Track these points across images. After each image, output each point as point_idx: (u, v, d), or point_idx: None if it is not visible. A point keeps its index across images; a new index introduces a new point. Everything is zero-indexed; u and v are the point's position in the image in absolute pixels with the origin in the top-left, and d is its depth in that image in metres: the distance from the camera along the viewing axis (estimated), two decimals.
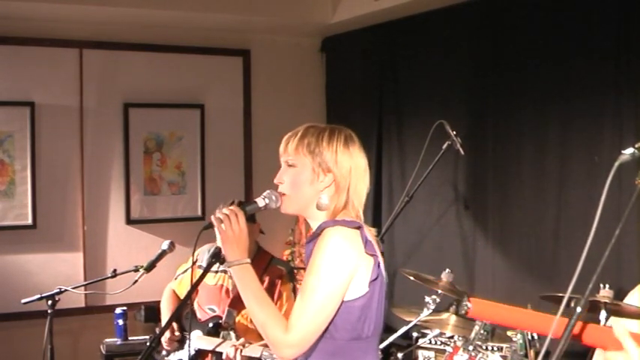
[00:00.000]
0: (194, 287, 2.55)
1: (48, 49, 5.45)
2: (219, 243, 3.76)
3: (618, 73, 3.97)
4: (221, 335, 3.67)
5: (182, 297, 3.99)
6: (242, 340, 3.59)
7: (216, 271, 3.87)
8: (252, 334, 3.78)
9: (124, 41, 5.67)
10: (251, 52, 6.13)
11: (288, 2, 5.65)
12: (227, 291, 3.80)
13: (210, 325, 3.72)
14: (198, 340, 3.68)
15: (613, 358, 1.58)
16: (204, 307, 3.83)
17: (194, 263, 3.88)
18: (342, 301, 2.14)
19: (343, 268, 2.11)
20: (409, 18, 5.34)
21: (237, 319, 3.77)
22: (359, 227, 2.19)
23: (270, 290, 3.74)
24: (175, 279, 4.04)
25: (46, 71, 5.47)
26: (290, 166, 2.28)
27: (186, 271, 3.98)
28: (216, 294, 3.86)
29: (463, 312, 1.70)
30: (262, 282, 3.71)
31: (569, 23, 4.24)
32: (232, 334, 3.66)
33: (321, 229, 2.19)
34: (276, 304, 3.68)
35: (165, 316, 4.00)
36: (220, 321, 3.70)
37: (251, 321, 3.78)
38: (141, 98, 5.75)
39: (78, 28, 5.49)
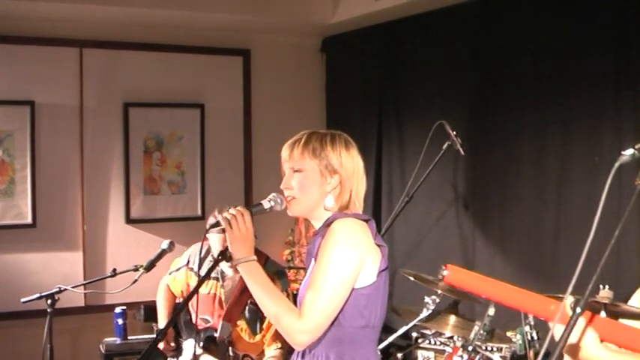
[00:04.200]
0: (192, 294, 2.57)
1: (48, 49, 5.45)
2: (212, 245, 3.77)
3: (618, 74, 3.97)
4: (218, 348, 3.64)
5: (176, 294, 3.98)
6: None
7: (208, 278, 3.84)
8: (250, 346, 3.76)
9: (124, 41, 5.67)
10: (251, 51, 6.13)
11: (289, 2, 5.65)
12: (220, 301, 3.76)
13: (205, 337, 3.68)
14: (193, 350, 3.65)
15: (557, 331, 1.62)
16: (199, 315, 3.80)
17: (194, 265, 3.88)
18: (352, 289, 2.23)
19: (354, 257, 2.21)
20: (409, 18, 5.34)
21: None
22: (368, 220, 2.31)
23: None
24: (169, 274, 4.01)
25: (46, 70, 5.47)
26: (296, 171, 2.36)
27: (179, 269, 3.95)
28: (209, 304, 3.82)
29: (440, 278, 1.77)
30: None
31: (569, 23, 4.24)
32: (230, 349, 3.65)
33: (330, 221, 2.29)
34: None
35: (161, 310, 3.99)
36: (215, 334, 3.67)
37: (247, 333, 3.77)
38: (141, 98, 5.75)
39: (78, 27, 5.49)
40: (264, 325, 3.74)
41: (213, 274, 3.80)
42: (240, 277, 3.66)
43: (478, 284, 1.79)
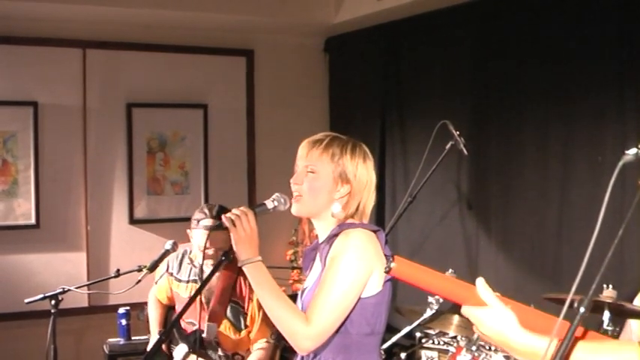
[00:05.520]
0: (194, 297, 2.57)
1: (51, 49, 5.46)
2: (195, 240, 3.75)
3: (621, 73, 3.96)
4: (207, 351, 3.64)
5: (162, 301, 3.98)
6: None
7: (187, 281, 3.82)
8: (237, 344, 3.75)
9: (127, 41, 5.68)
10: (254, 52, 6.13)
11: (292, 2, 5.65)
12: (201, 303, 3.75)
13: (193, 340, 3.66)
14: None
15: (473, 313, 1.68)
16: (185, 320, 3.77)
17: (173, 269, 3.88)
18: (359, 298, 2.25)
19: (362, 267, 2.23)
20: (412, 18, 5.34)
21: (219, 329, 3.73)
22: (377, 231, 2.32)
23: (249, 291, 3.71)
24: (155, 283, 4.01)
25: (49, 71, 5.47)
26: (310, 171, 2.36)
27: (161, 276, 3.95)
28: (191, 307, 3.79)
29: (386, 271, 1.80)
30: (237, 283, 3.71)
31: (571, 23, 4.24)
32: (219, 349, 3.63)
33: (339, 231, 2.29)
34: (248, 303, 3.68)
35: (152, 321, 3.98)
36: (203, 335, 3.66)
37: (232, 330, 3.75)
38: (144, 98, 5.75)
39: (81, 28, 5.50)
40: (248, 322, 3.74)
41: (192, 277, 3.79)
42: (219, 277, 3.68)
43: (424, 277, 1.79)
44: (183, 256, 3.88)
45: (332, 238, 2.30)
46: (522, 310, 1.67)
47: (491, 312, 1.65)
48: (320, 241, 2.41)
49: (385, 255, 2.28)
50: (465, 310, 1.71)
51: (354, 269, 2.21)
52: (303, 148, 2.40)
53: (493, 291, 1.71)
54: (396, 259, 1.77)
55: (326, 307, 2.19)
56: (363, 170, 2.37)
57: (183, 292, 3.80)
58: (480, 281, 1.72)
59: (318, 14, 5.74)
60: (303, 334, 2.19)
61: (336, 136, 2.42)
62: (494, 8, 4.73)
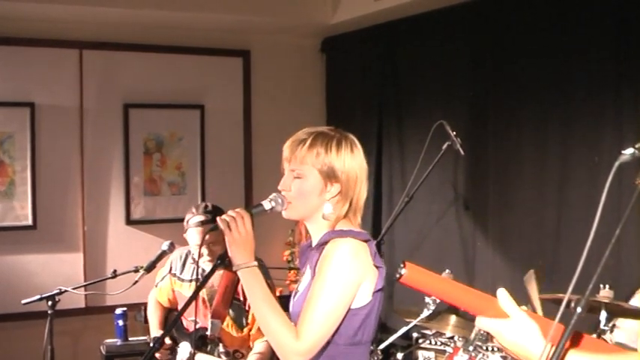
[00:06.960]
0: (194, 296, 2.54)
1: (48, 50, 5.45)
2: (190, 239, 3.75)
3: (618, 73, 3.97)
4: (209, 348, 3.65)
5: (164, 304, 3.99)
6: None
7: (190, 280, 3.83)
8: (238, 341, 3.76)
9: (124, 42, 5.67)
10: (251, 52, 6.13)
11: (289, 3, 5.65)
12: (204, 301, 3.75)
13: (197, 338, 3.67)
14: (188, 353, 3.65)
15: (492, 326, 1.62)
16: (188, 318, 3.78)
17: (176, 270, 3.88)
18: (348, 309, 2.18)
19: (351, 279, 2.15)
20: (409, 18, 5.34)
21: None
22: (368, 240, 2.23)
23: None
24: (156, 286, 4.01)
25: (46, 72, 5.47)
26: (297, 176, 2.28)
27: (163, 278, 3.96)
28: (193, 305, 3.79)
29: (396, 277, 1.65)
30: (239, 282, 3.72)
31: (569, 23, 4.24)
32: (220, 345, 3.64)
33: (328, 239, 2.22)
34: (244, 302, 3.68)
35: (153, 324, 3.98)
36: (206, 333, 3.66)
37: (234, 328, 3.76)
38: (141, 99, 5.75)
39: (78, 28, 5.49)
40: (249, 319, 3.75)
41: (194, 276, 3.81)
42: (222, 275, 3.68)
43: (438, 286, 1.67)
44: (186, 257, 3.91)
45: (321, 245, 2.22)
46: (547, 325, 1.58)
47: (512, 323, 1.59)
48: (313, 242, 2.34)
49: (376, 266, 2.20)
50: (483, 322, 1.63)
51: (343, 282, 2.13)
52: (286, 149, 2.30)
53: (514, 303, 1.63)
54: (408, 266, 1.64)
55: (315, 321, 2.11)
56: (351, 164, 2.26)
57: (187, 291, 3.82)
58: (502, 292, 1.63)
59: (315, 14, 5.74)
60: (291, 349, 2.11)
61: (320, 132, 2.29)
62: (492, 8, 4.73)
